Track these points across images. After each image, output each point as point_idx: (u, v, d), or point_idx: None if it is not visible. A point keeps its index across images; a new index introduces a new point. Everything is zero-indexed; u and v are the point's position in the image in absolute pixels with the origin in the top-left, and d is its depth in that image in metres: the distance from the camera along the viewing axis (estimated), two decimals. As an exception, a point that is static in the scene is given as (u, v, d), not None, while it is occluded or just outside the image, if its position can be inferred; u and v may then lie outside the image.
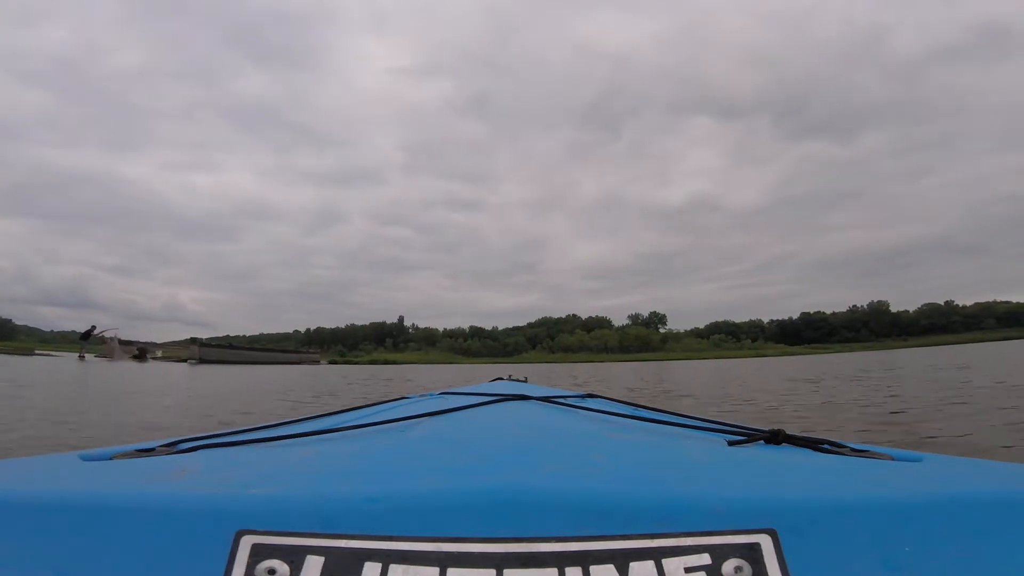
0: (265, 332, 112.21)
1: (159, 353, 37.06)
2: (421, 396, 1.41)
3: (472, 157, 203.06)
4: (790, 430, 0.65)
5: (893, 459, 0.56)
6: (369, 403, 1.16)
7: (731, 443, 0.63)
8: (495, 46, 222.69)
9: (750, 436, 0.66)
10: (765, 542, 0.32)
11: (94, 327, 33.87)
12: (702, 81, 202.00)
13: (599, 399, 1.31)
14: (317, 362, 48.13)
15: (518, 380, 2.83)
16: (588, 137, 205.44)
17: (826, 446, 0.62)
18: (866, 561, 0.32)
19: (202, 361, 29.32)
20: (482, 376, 4.35)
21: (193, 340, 35.08)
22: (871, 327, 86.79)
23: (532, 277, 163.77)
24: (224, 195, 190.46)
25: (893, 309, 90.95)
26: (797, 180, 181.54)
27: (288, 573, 0.30)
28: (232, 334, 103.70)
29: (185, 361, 29.58)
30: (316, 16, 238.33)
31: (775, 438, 0.64)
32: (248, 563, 0.31)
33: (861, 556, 0.32)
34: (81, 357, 25.42)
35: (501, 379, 2.94)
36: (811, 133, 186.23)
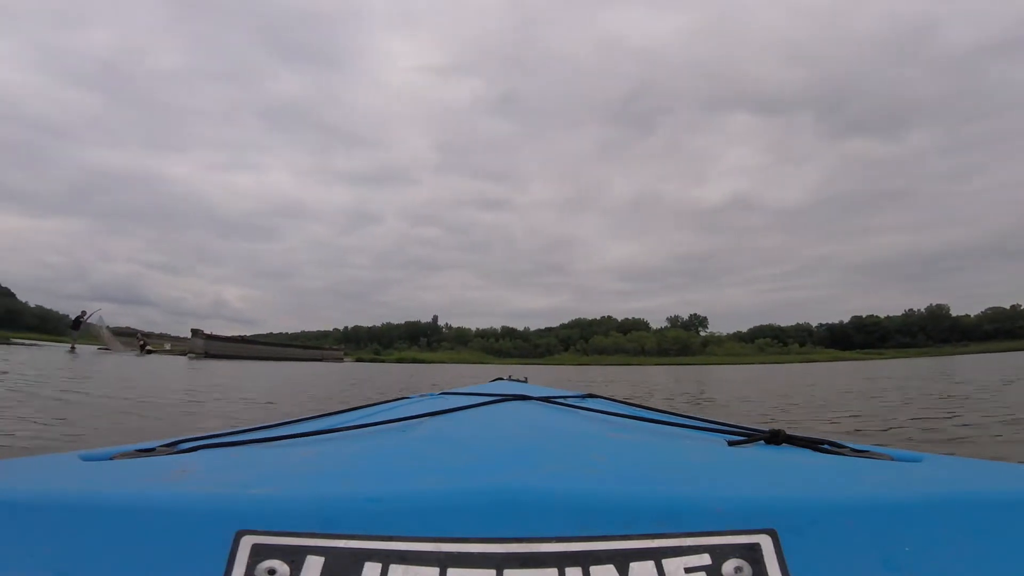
0: (305, 330, 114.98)
1: (167, 346, 34.06)
2: (421, 396, 1.40)
3: (501, 156, 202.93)
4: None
5: (893, 459, 0.56)
6: (369, 403, 1.15)
7: (731, 443, 0.63)
8: (521, 43, 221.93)
9: (750, 436, 0.67)
10: (765, 542, 0.32)
11: (84, 312, 27.85)
12: (737, 76, 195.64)
13: (599, 399, 1.30)
14: (341, 359, 46.72)
15: (518, 380, 2.83)
16: (619, 135, 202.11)
17: (826, 446, 0.63)
18: (866, 561, 0.32)
19: (208, 356, 26.32)
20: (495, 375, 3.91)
21: (195, 332, 31.03)
22: (928, 332, 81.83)
23: (562, 278, 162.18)
24: (262, 195, 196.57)
25: (953, 313, 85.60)
26: (841, 179, 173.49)
27: (288, 573, 0.30)
28: (274, 331, 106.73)
29: (184, 355, 26.38)
30: (343, 15, 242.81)
31: (775, 438, 0.65)
32: (248, 563, 0.31)
33: (861, 556, 0.32)
34: (72, 349, 21.81)
35: (501, 379, 2.93)
36: (856, 130, 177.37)
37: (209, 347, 29.14)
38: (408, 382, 10.42)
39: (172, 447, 0.60)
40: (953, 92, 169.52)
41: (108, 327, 29.41)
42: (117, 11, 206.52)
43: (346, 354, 59.22)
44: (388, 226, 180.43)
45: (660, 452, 0.58)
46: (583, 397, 1.31)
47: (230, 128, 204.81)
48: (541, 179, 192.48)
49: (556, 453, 0.50)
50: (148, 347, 28.79)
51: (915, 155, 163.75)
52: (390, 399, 1.29)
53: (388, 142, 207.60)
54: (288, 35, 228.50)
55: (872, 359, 53.73)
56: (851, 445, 0.64)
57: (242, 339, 38.30)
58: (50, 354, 15.57)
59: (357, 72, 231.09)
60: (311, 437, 0.65)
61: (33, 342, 31.61)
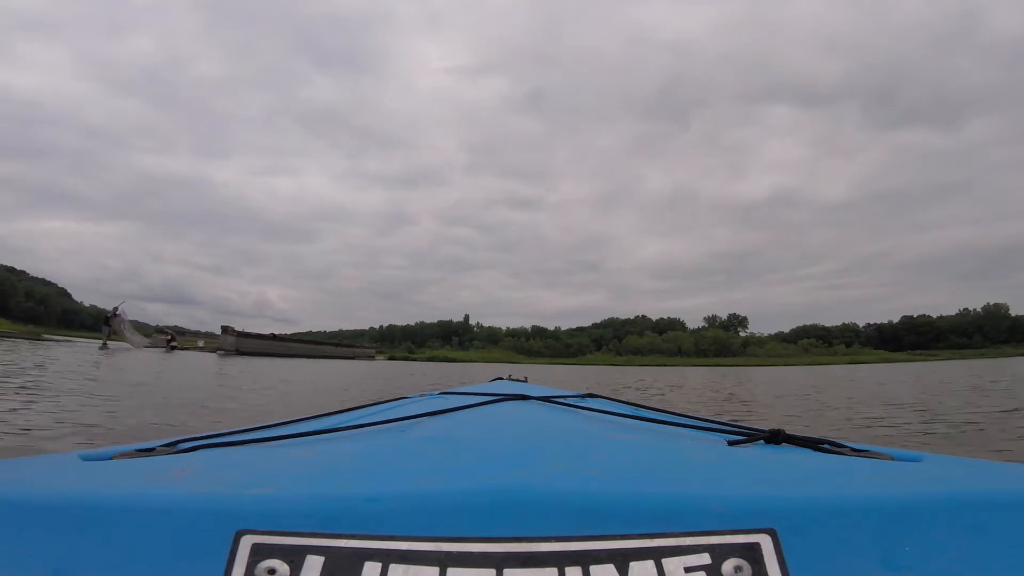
0: (343, 328, 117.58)
1: (200, 343, 34.09)
2: (421, 396, 1.40)
3: (531, 154, 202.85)
4: None
5: (893, 459, 0.56)
6: (369, 403, 1.14)
7: (731, 443, 0.63)
8: (547, 40, 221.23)
9: (750, 436, 0.67)
10: (765, 542, 0.32)
11: (116, 309, 27.63)
12: (775, 67, 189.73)
13: (599, 399, 1.30)
14: (372, 357, 46.80)
15: (518, 380, 2.83)
16: (653, 129, 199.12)
17: (826, 446, 0.62)
18: (866, 561, 0.32)
19: (239, 353, 26.51)
20: (538, 376, 3.79)
21: (225, 329, 30.29)
22: (985, 332, 77.20)
23: (595, 276, 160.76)
24: (302, 198, 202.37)
25: (1013, 313, 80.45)
26: (891, 172, 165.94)
27: (288, 573, 0.30)
28: (313, 330, 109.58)
29: (215, 352, 26.61)
30: (372, 19, 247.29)
31: (775, 438, 0.65)
32: (248, 563, 0.31)
33: (861, 556, 0.32)
34: (104, 345, 22.05)
35: (501, 379, 2.91)
36: (906, 121, 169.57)
37: (240, 344, 29.20)
38: (424, 380, 10.16)
39: (172, 447, 0.60)
40: (1009, 79, 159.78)
41: (130, 323, 29.48)
42: (157, 20, 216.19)
43: (378, 352, 59.74)
44: (422, 227, 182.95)
45: (660, 452, 0.57)
46: (583, 397, 1.29)
47: (270, 134, 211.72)
48: (573, 177, 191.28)
49: (556, 453, 0.50)
50: (174, 343, 29.03)
51: (972, 146, 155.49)
52: (390, 399, 1.27)
53: (419, 144, 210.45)
54: (320, 41, 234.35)
55: (925, 360, 50.99)
56: (851, 444, 0.64)
57: (273, 337, 38.00)
58: (78, 351, 15.68)
59: (387, 75, 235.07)
60: (311, 437, 0.65)
61: (66, 338, 32.07)
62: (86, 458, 0.54)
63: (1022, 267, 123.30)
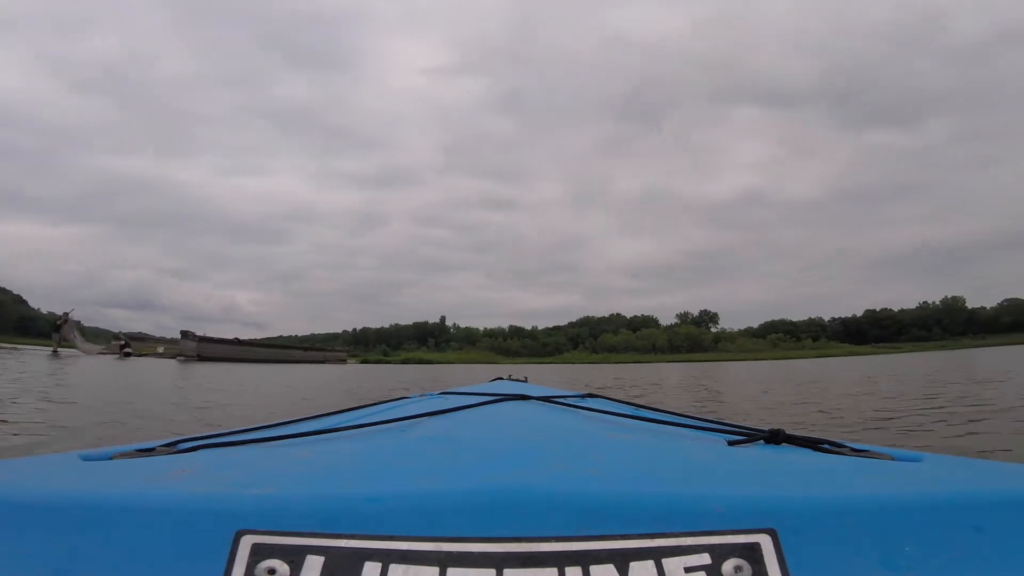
0: (316, 332, 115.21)
1: (160, 349, 32.94)
2: (421, 396, 1.40)
3: (507, 155, 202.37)
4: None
5: (893, 459, 0.56)
6: (369, 403, 1.15)
7: (731, 443, 0.63)
8: (524, 41, 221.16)
9: (750, 436, 0.67)
10: (765, 542, 0.32)
11: (66, 315, 27.29)
12: (745, 68, 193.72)
13: (599, 399, 1.30)
14: (344, 361, 45.69)
15: (518, 380, 2.82)
16: (626, 130, 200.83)
17: (826, 446, 0.63)
18: (866, 561, 0.32)
19: (201, 359, 25.39)
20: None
21: (185, 334, 29.34)
22: (944, 325, 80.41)
23: (571, 276, 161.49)
24: (272, 199, 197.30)
25: (969, 305, 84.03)
26: (856, 172, 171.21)
27: (288, 573, 0.30)
28: (285, 334, 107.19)
29: (175, 358, 25.46)
30: (347, 17, 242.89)
31: (775, 438, 0.65)
32: (248, 563, 0.31)
33: (861, 556, 0.32)
34: (54, 353, 21.64)
35: (501, 379, 2.90)
36: (871, 122, 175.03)
37: (202, 350, 28.12)
38: (386, 387, 9.72)
39: (172, 447, 0.60)
40: (968, 82, 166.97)
41: (78, 330, 28.50)
42: (121, 17, 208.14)
43: (351, 355, 58.33)
44: (396, 228, 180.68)
45: (660, 452, 0.58)
46: (583, 397, 1.29)
47: (239, 132, 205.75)
48: (548, 177, 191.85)
49: (556, 453, 0.51)
50: (128, 350, 27.80)
51: (932, 146, 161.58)
52: (390, 399, 1.27)
53: (394, 143, 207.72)
54: (294, 38, 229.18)
55: (888, 353, 52.72)
56: (851, 445, 0.64)
57: (238, 341, 36.78)
58: (26, 360, 14.94)
59: (362, 74, 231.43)
60: (311, 437, 0.65)
61: (13, 346, 30.46)
62: (86, 458, 0.54)
63: (977, 261, 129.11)
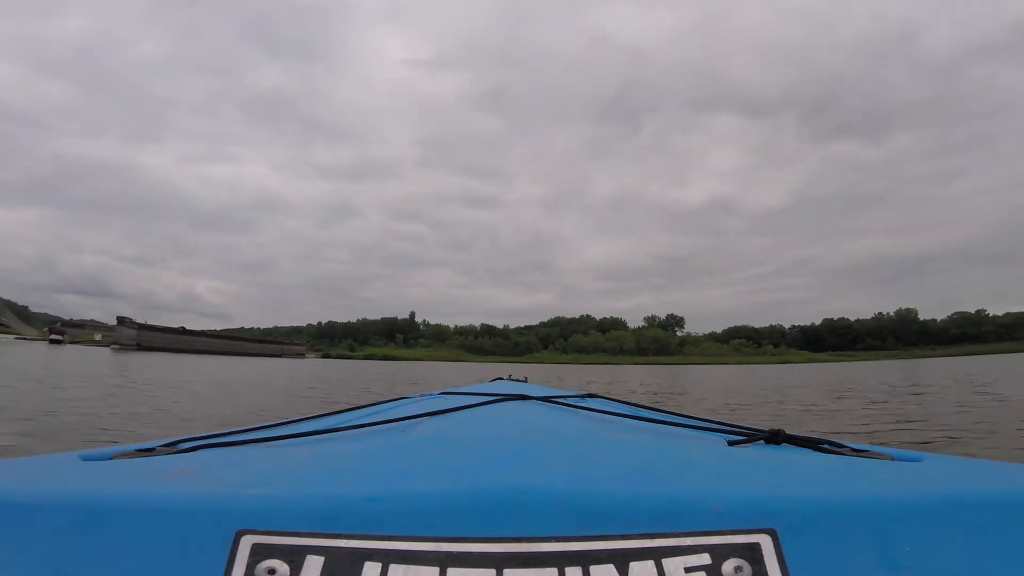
0: (280, 325, 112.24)
1: (98, 336, 31.64)
2: (421, 396, 1.40)
3: (487, 152, 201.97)
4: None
5: (893, 459, 0.56)
6: (369, 403, 1.16)
7: (731, 443, 0.64)
8: (509, 38, 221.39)
9: (750, 436, 0.67)
10: (765, 542, 0.32)
11: None
12: (724, 77, 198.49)
13: (599, 399, 1.29)
14: (303, 355, 44.18)
15: (518, 380, 2.82)
16: (606, 132, 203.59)
17: (826, 446, 0.63)
18: (866, 561, 0.32)
19: (140, 348, 23.97)
20: (485, 374, 3.63)
21: (121, 320, 27.92)
22: (898, 335, 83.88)
23: (545, 276, 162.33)
24: (240, 187, 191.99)
25: (921, 317, 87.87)
26: (822, 181, 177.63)
27: (288, 573, 0.30)
28: (246, 326, 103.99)
29: (109, 346, 23.88)
30: (330, 7, 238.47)
31: (775, 438, 0.65)
32: (248, 563, 0.31)
33: (861, 556, 0.32)
34: None
35: (501, 379, 2.90)
36: (839, 133, 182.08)
37: (141, 338, 26.56)
38: (326, 389, 8.85)
39: (172, 447, 0.60)
40: (936, 96, 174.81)
41: (14, 311, 26.88)
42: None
43: (313, 350, 56.17)
44: (368, 221, 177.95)
45: (660, 452, 0.58)
46: (583, 397, 1.28)
47: (209, 119, 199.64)
48: (527, 176, 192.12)
49: (556, 453, 0.50)
50: (56, 337, 26.09)
51: (897, 158, 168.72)
52: (390, 399, 1.28)
53: (370, 136, 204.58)
54: (273, 27, 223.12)
55: (844, 360, 54.50)
56: (851, 445, 0.64)
57: (184, 331, 34.81)
58: None
59: (341, 65, 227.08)
60: (311, 437, 0.65)
61: None
62: (86, 458, 0.54)
63: (931, 275, 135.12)
